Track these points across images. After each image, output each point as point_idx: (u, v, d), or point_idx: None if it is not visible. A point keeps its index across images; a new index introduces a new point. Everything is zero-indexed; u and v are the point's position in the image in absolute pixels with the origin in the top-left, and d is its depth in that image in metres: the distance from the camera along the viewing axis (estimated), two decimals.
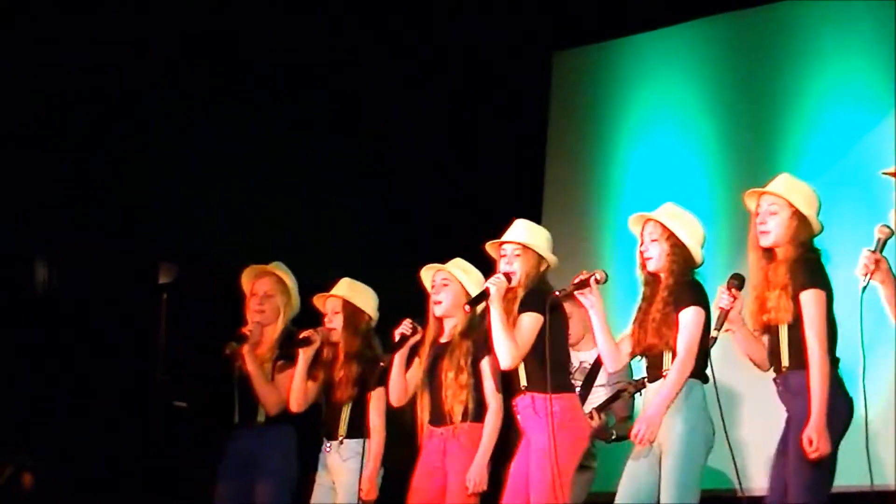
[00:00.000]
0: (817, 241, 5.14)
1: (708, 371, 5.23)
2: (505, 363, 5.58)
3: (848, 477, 5.01)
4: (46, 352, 7.74)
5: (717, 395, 5.09)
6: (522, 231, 5.73)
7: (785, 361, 5.03)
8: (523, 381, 5.61)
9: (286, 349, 6.44)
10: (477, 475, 5.78)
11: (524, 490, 5.55)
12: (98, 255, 8.00)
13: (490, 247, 5.78)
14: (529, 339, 5.56)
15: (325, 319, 6.42)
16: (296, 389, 6.34)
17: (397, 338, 6.01)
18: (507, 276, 5.63)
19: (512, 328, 5.56)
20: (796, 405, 4.98)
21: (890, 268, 4.93)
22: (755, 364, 5.21)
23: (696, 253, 5.33)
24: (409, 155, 9.17)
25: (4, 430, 7.43)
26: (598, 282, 5.40)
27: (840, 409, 4.93)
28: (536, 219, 6.00)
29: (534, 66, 9.20)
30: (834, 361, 4.99)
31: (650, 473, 5.20)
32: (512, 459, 5.72)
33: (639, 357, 5.41)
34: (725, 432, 5.08)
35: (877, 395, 5.92)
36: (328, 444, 6.34)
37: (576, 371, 6.49)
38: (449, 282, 6.02)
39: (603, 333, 5.41)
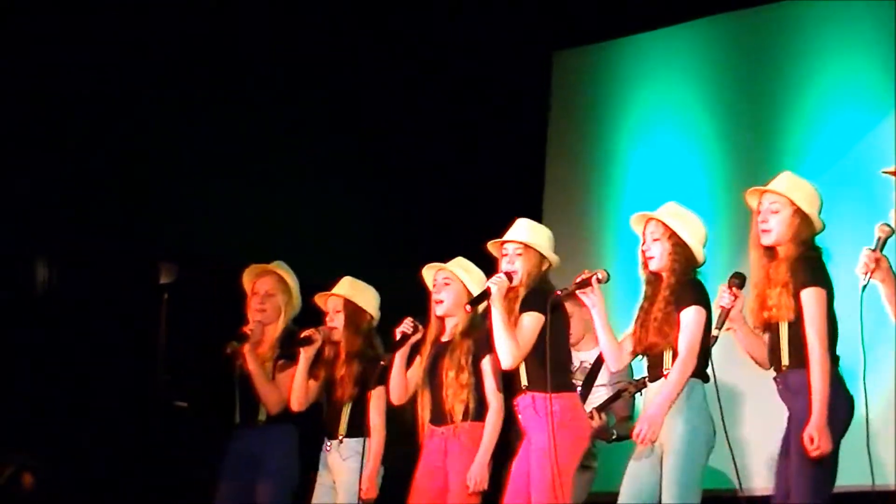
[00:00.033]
0: (818, 240, 5.14)
1: (708, 370, 5.24)
2: (506, 363, 5.58)
3: (849, 477, 5.01)
4: (46, 352, 7.73)
5: (718, 394, 5.09)
6: (524, 230, 5.73)
7: (785, 360, 5.04)
8: (524, 381, 5.61)
9: (287, 348, 6.44)
10: (478, 474, 5.78)
11: (525, 490, 5.55)
12: (98, 255, 7.99)
13: (492, 246, 5.78)
14: (531, 339, 5.56)
15: (327, 318, 6.41)
16: (297, 388, 6.34)
17: (398, 336, 6.01)
18: (509, 275, 5.63)
19: (513, 328, 5.56)
20: (797, 404, 4.99)
21: (890, 266, 4.93)
22: (756, 362, 5.22)
23: (698, 252, 5.33)
24: (410, 155, 9.17)
25: (4, 430, 7.42)
26: (599, 281, 5.41)
27: (841, 408, 4.93)
28: (537, 219, 5.99)
29: (534, 66, 9.20)
30: (834, 359, 4.99)
31: (652, 474, 5.20)
32: (513, 459, 5.72)
33: (640, 356, 5.41)
34: (725, 432, 5.08)
35: (877, 395, 5.91)
36: (328, 444, 6.34)
37: (576, 371, 6.48)
38: (450, 281, 6.02)
39: (605, 333, 5.41)
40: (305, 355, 6.32)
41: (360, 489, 6.14)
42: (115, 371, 7.90)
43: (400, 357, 6.03)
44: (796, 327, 4.99)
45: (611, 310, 5.52)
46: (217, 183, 8.39)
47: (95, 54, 7.88)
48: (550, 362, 5.48)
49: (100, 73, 7.91)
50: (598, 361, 6.44)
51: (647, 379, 5.39)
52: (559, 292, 5.53)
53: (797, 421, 4.96)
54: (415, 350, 6.04)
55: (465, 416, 5.88)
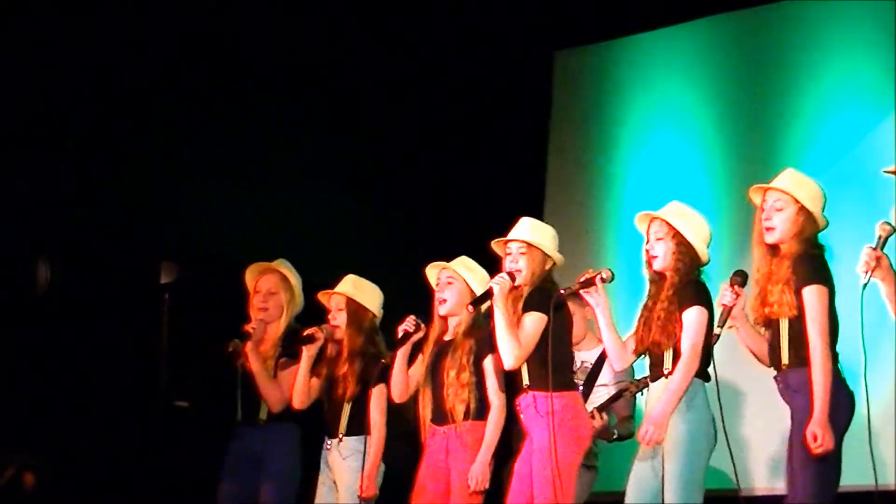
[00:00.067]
0: (820, 238, 5.14)
1: (710, 370, 5.23)
2: (508, 363, 5.58)
3: (849, 477, 5.01)
4: (46, 352, 7.71)
5: (718, 393, 5.09)
6: (528, 229, 5.73)
7: (785, 359, 5.04)
8: (525, 380, 5.61)
9: (289, 346, 6.44)
10: (479, 473, 5.78)
11: (528, 489, 5.54)
12: (98, 255, 7.98)
13: (495, 245, 5.78)
14: (533, 339, 5.55)
15: (329, 316, 6.41)
16: (299, 387, 6.34)
17: (400, 334, 6.01)
18: (512, 274, 5.63)
19: (516, 327, 5.55)
20: (797, 402, 4.99)
21: (891, 265, 4.93)
22: (758, 359, 5.22)
23: (702, 252, 5.33)
24: (411, 154, 9.16)
25: (4, 430, 7.41)
26: (603, 280, 5.40)
27: (842, 404, 4.93)
28: (538, 218, 5.98)
29: (535, 65, 9.20)
30: (835, 357, 4.99)
31: (655, 474, 5.19)
32: (515, 458, 5.71)
33: (643, 355, 5.40)
34: (725, 431, 5.08)
35: (878, 393, 5.93)
36: (329, 442, 6.34)
37: (577, 371, 6.48)
38: (454, 280, 6.02)
39: (609, 332, 5.41)
40: (308, 354, 6.32)
41: (360, 487, 6.14)
42: (116, 371, 7.88)
43: (402, 355, 6.03)
44: (797, 324, 4.99)
45: (612, 309, 5.51)
46: (217, 183, 8.38)
47: (95, 54, 7.86)
48: (552, 362, 5.48)
49: (100, 73, 7.90)
50: (599, 361, 6.44)
51: (648, 378, 5.39)
52: (562, 291, 5.52)
53: (799, 419, 4.96)
54: (417, 348, 6.04)
55: (466, 416, 5.88)
